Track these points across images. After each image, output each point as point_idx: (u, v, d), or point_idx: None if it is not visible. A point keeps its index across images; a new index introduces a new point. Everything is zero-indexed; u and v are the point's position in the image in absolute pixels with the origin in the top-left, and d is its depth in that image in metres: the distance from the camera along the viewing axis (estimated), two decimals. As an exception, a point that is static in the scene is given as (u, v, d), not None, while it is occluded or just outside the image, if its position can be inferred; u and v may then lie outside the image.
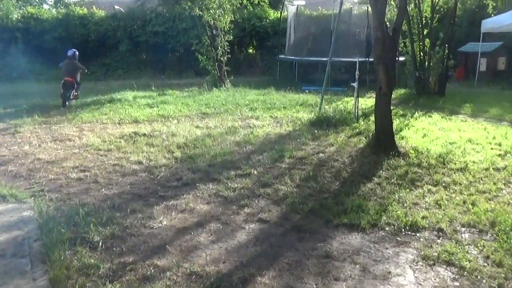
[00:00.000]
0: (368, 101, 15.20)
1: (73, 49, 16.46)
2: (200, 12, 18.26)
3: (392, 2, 16.69)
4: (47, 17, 26.70)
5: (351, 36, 23.18)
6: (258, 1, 23.09)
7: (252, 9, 26.49)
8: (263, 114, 12.91)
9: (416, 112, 13.14)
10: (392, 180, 7.35)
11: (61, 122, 12.37)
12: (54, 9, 30.72)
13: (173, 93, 17.73)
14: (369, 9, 16.03)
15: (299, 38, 24.79)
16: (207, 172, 7.89)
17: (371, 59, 14.30)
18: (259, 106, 14.06)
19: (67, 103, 15.53)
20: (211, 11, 18.25)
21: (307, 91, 17.88)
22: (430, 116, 12.55)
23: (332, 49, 13.72)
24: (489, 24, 20.38)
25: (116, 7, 29.50)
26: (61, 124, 12.02)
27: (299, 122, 11.70)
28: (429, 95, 16.19)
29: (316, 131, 10.56)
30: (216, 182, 7.42)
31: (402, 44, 18.79)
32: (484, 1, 19.32)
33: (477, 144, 9.42)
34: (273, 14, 27.85)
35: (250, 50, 28.83)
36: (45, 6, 35.14)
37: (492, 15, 20.50)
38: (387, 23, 10.48)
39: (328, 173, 7.80)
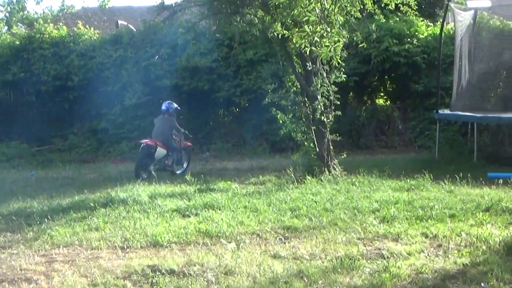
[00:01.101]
0: None
1: (169, 102, 17.17)
2: (285, 32, 13.94)
3: None
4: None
5: None
6: (397, 5, 13.85)
7: (383, 20, 21.13)
8: (409, 230, 10.27)
9: None
10: None
11: (13, 244, 10.46)
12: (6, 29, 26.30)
13: (227, 187, 14.70)
14: None
15: (481, 76, 20.39)
16: None
17: None
18: (401, 214, 11.23)
19: (143, 175, 15.79)
20: (305, 27, 13.61)
21: (497, 181, 14.00)
22: None
23: None
24: None
25: (120, 22, 27.51)
26: (14, 250, 10.12)
27: (483, 247, 9.12)
28: None
29: None
30: None
31: None
32: None
33: None
34: (426, 30, 23.24)
35: (381, 101, 24.85)
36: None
37: None
38: None
39: None
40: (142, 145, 16.29)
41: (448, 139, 20.14)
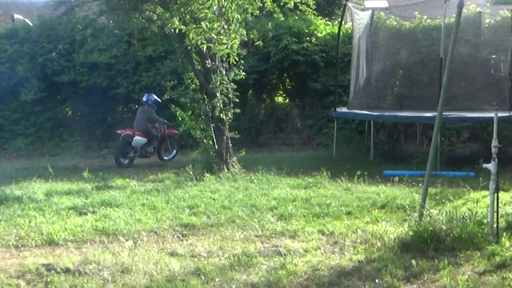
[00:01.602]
0: None
1: (149, 94, 18.48)
2: (182, 27, 13.80)
3: None
4: None
5: (481, 69, 19.20)
6: (296, 3, 13.86)
7: (282, 19, 20.40)
8: (306, 227, 10.46)
9: None
10: None
11: None
12: None
13: (125, 184, 14.74)
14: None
15: (378, 74, 20.77)
16: None
17: None
18: (298, 212, 11.43)
19: (124, 162, 17.43)
20: (203, 23, 13.58)
21: (393, 179, 14.19)
22: None
23: (443, 96, 10.45)
24: None
25: (16, 16, 26.16)
26: None
27: (378, 244, 9.34)
28: None
29: (413, 262, 8.37)
30: None
31: None
32: None
33: None
34: (324, 29, 23.32)
35: (280, 99, 24.73)
36: None
37: None
38: None
39: None
40: (122, 134, 17.28)
41: (346, 137, 20.50)
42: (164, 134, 18.42)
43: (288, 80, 24.04)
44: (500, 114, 11.52)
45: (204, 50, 15.02)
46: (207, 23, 13.91)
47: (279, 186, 14.07)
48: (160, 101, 18.24)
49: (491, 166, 9.43)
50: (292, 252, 9.13)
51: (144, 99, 18.25)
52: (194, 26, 14.12)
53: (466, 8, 18.61)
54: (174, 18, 14.03)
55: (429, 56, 19.77)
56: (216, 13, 13.98)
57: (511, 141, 16.45)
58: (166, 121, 18.31)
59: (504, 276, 7.74)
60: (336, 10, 26.36)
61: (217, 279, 8.11)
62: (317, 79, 22.19)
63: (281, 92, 24.55)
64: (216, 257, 9.11)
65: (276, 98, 24.40)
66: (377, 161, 17.68)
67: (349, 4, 20.94)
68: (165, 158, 18.51)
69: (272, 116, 23.32)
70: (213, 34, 14.25)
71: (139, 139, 17.62)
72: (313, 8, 17.35)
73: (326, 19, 24.66)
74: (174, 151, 18.88)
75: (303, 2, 16.15)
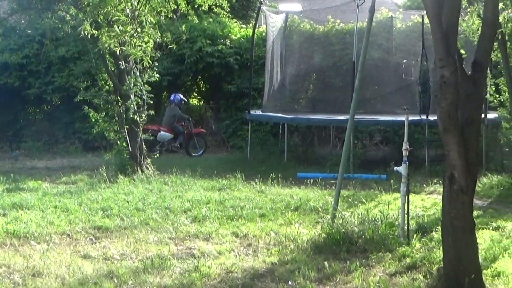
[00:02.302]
0: (428, 201, 12.86)
1: (176, 93, 19.90)
2: (95, 32, 13.26)
3: (469, 9, 13.25)
4: None
5: (393, 73, 19.65)
6: (210, 6, 13.99)
7: (197, 21, 21.13)
8: (220, 229, 10.50)
9: None
10: None
11: None
12: None
13: (37, 186, 14.41)
14: (426, 19, 12.62)
15: (292, 78, 21.18)
16: None
17: (432, 118, 12.72)
18: (212, 214, 11.43)
19: (151, 154, 17.17)
20: (115, 26, 12.89)
21: (306, 181, 14.60)
22: None
23: (355, 99, 10.92)
24: None
25: None
26: None
27: (292, 246, 9.48)
28: None
29: (326, 263, 8.51)
30: None
31: (492, 88, 15.83)
32: None
33: None
34: (239, 31, 23.75)
35: (194, 101, 24.83)
36: None
37: None
38: (463, 51, 8.90)
39: None
40: (149, 130, 18.01)
41: (260, 140, 20.53)
42: (191, 132, 19.87)
43: (202, 82, 24.22)
44: (411, 118, 11.66)
45: (118, 52, 14.83)
46: (120, 26, 13.64)
47: (193, 188, 14.05)
48: (186, 100, 20.26)
49: (402, 169, 9.55)
50: (205, 255, 9.11)
51: (171, 98, 19.84)
52: (107, 29, 13.85)
53: (379, 12, 18.98)
54: (86, 23, 13.56)
55: (342, 60, 19.95)
56: (129, 16, 13.63)
57: (422, 145, 16.74)
58: (190, 119, 20.01)
59: (414, 277, 7.89)
60: (250, 13, 26.45)
61: (130, 282, 8.00)
62: (232, 81, 22.35)
63: (196, 94, 24.67)
64: (129, 260, 8.99)
65: (190, 100, 24.23)
66: (291, 163, 17.75)
67: (263, 8, 21.14)
68: (193, 154, 19.71)
69: (187, 118, 23.54)
70: (126, 37, 14.02)
71: (163, 134, 19.26)
72: (227, 11, 17.32)
73: (241, 22, 24.80)
74: (202, 149, 20.11)
75: (217, 4, 16.06)
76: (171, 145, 19.71)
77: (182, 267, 8.62)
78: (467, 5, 13.58)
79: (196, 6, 16.55)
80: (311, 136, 20.83)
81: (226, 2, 16.39)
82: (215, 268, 8.52)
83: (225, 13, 18.73)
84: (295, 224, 10.86)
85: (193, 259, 8.94)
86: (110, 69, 15.58)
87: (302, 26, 21.93)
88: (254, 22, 21.65)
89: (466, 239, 7.32)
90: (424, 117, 16.11)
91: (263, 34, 22.22)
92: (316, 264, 8.64)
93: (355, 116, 13.08)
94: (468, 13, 13.77)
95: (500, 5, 12.83)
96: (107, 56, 15.77)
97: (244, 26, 24.39)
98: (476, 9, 13.14)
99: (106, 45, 13.64)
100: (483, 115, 16.10)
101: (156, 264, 8.69)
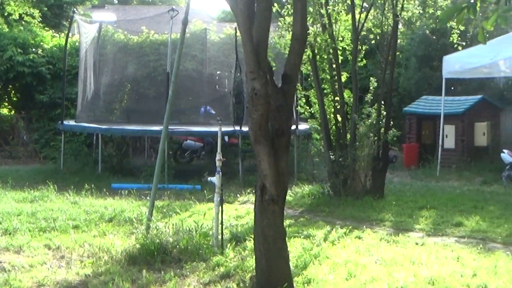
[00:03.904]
0: (242, 210, 12.98)
1: (205, 106, 19.67)
2: None
3: (280, 22, 13.52)
4: None
5: (207, 84, 20.28)
6: (21, 14, 13.61)
7: (7, 30, 21.00)
8: (32, 242, 10.12)
9: (334, 230, 11.13)
10: None
11: None
12: None
13: None
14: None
15: (106, 88, 20.86)
16: None
17: (246, 129, 11.31)
18: (23, 226, 11.03)
19: (183, 160, 19.04)
20: None
21: (121, 192, 14.42)
22: (360, 237, 10.73)
23: (168, 110, 10.69)
24: (456, 63, 17.56)
25: None
26: None
27: (106, 257, 9.28)
28: (356, 197, 13.80)
29: (141, 274, 8.43)
30: None
31: (303, 100, 15.63)
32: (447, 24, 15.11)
33: (446, 290, 8.42)
34: (51, 40, 23.29)
35: (5, 111, 24.07)
36: None
37: (460, 48, 16.04)
38: (273, 63, 9.62)
39: None
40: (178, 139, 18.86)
41: (74, 150, 20.03)
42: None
43: (13, 92, 23.58)
44: (225, 129, 11.93)
45: None
46: None
47: (4, 200, 13.56)
48: (213, 112, 19.60)
49: (215, 179, 9.65)
50: (16, 268, 8.79)
51: (202, 110, 19.83)
52: None
53: (193, 24, 19.12)
54: None
55: (157, 71, 20.03)
56: None
57: (236, 155, 16.93)
58: None
59: (228, 285, 7.97)
60: (63, 21, 25.97)
61: None
62: (44, 91, 21.93)
63: (7, 104, 23.94)
64: None
65: (1, 110, 23.66)
66: (105, 174, 17.66)
67: (76, 17, 20.85)
68: None
69: (-5, 128, 23.13)
70: None
71: (189, 143, 19.12)
72: (39, 20, 16.89)
73: (53, 30, 24.32)
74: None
75: (28, 13, 15.66)
76: (199, 153, 19.83)
77: (-11, 282, 8.31)
78: (278, 20, 13.97)
79: (6, 14, 16.06)
80: (126, 146, 20.71)
81: (38, 11, 16.04)
82: (26, 281, 8.25)
83: (36, 22, 18.30)
84: (109, 235, 10.71)
85: (3, 272, 8.62)
86: None
87: (116, 36, 21.90)
88: (67, 31, 21.38)
89: (278, 248, 7.41)
90: (238, 128, 16.27)
91: (77, 44, 21.95)
92: (130, 275, 8.54)
93: (170, 127, 13.25)
94: (279, 28, 13.95)
95: (309, 21, 13.41)
96: None
97: (56, 35, 23.97)
98: (287, 24, 13.42)
99: None
100: (294, 126, 16.43)
101: (-41, 281, 8.40)
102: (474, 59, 16.94)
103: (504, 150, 16.85)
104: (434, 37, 21.75)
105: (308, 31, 11.73)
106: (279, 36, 14.30)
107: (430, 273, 8.54)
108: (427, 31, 21.62)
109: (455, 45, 15.26)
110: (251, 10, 6.93)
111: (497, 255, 9.46)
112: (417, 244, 10.43)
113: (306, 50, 12.15)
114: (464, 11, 5.32)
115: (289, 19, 13.30)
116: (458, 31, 14.47)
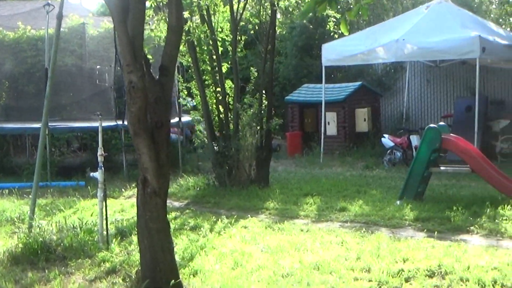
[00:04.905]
0: (127, 205, 12.91)
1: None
2: None
3: (156, 17, 13.72)
4: None
5: (88, 79, 19.64)
6: None
7: None
8: None
9: (220, 220, 11.15)
10: None
11: None
12: None
13: None
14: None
15: None
16: None
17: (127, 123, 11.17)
18: None
19: None
20: None
21: (2, 191, 14.18)
22: (246, 227, 10.81)
23: (46, 106, 10.73)
24: (334, 51, 17.66)
25: None
26: None
27: None
28: (241, 187, 13.97)
29: (24, 274, 8.42)
30: None
31: (184, 92, 15.96)
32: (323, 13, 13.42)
33: (331, 273, 7.95)
34: None
35: None
36: None
37: (336, 36, 16.37)
38: (150, 56, 9.49)
39: None
40: None
41: None
42: None
43: None
44: (107, 123, 11.77)
45: None
46: None
47: None
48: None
49: (98, 174, 9.60)
50: None
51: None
52: None
53: (70, 18, 18.81)
54: None
55: (35, 67, 19.59)
56: None
57: (119, 150, 16.78)
58: None
59: (114, 281, 7.93)
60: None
61: None
62: None
63: None
64: None
65: None
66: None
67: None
68: None
69: None
70: None
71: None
72: None
73: None
74: None
75: None
76: None
77: None
78: (153, 14, 13.84)
79: None
80: (6, 145, 20.21)
81: None
82: None
83: None
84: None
85: None
86: None
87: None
88: None
89: (162, 241, 7.40)
90: (120, 122, 16.14)
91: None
92: (13, 275, 8.42)
93: (51, 124, 13.05)
94: (156, 21, 13.89)
95: (187, 13, 13.34)
96: None
97: None
98: (163, 17, 13.36)
99: None
100: (177, 118, 16.56)
101: None
102: (352, 47, 17.20)
103: (385, 135, 17.35)
104: (311, 26, 21.68)
105: (185, 23, 11.78)
106: (151, 29, 14.07)
107: (315, 258, 8.65)
108: (304, 21, 21.49)
109: (331, 33, 15.46)
110: (125, 2, 6.91)
111: (379, 238, 9.65)
112: (302, 230, 10.52)
113: (183, 41, 12.15)
114: (325, 3, 5.49)
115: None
116: (334, 20, 14.51)
